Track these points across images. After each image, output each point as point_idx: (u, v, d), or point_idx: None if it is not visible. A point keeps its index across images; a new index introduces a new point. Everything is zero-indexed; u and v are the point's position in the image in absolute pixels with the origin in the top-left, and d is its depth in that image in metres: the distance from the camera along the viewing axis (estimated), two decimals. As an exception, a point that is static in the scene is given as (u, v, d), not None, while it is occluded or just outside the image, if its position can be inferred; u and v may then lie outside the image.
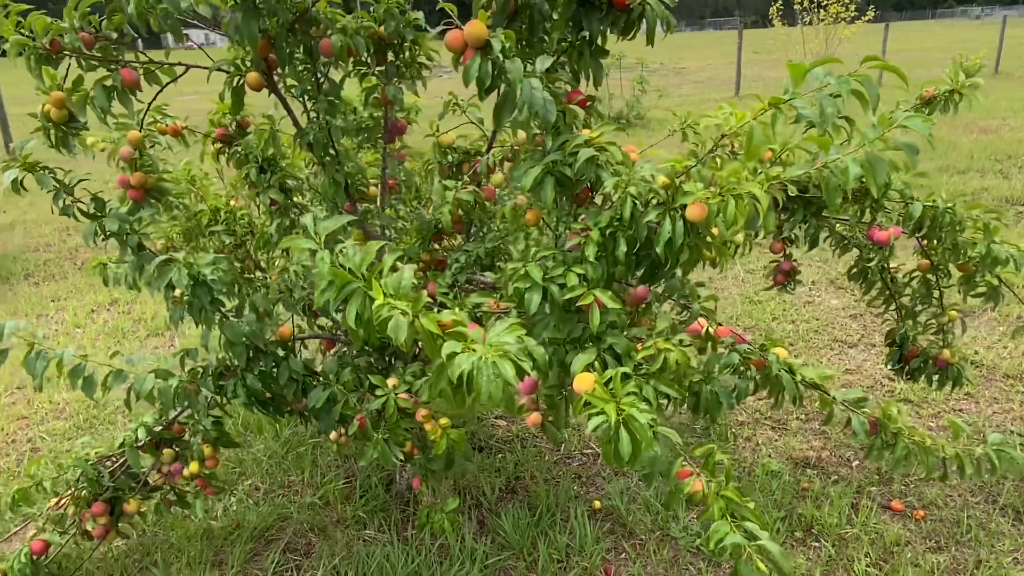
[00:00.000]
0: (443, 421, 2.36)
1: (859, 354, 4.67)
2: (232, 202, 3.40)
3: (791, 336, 4.89)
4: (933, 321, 3.20)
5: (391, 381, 2.41)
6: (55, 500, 2.61)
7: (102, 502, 2.61)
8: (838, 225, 2.94)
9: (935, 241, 2.87)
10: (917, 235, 2.77)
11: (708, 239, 1.75)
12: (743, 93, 17.13)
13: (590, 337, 1.75)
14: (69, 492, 2.60)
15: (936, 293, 3.12)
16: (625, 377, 1.64)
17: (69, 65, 2.20)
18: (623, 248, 1.72)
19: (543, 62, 1.74)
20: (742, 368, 2.18)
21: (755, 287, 5.72)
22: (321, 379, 2.52)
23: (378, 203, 2.71)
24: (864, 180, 1.50)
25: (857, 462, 3.53)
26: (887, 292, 3.32)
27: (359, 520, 3.04)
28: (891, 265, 3.17)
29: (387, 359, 2.90)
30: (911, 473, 3.39)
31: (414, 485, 2.58)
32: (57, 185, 2.23)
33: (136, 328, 5.38)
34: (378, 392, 2.37)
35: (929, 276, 3.12)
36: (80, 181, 2.29)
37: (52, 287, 6.30)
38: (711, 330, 2.29)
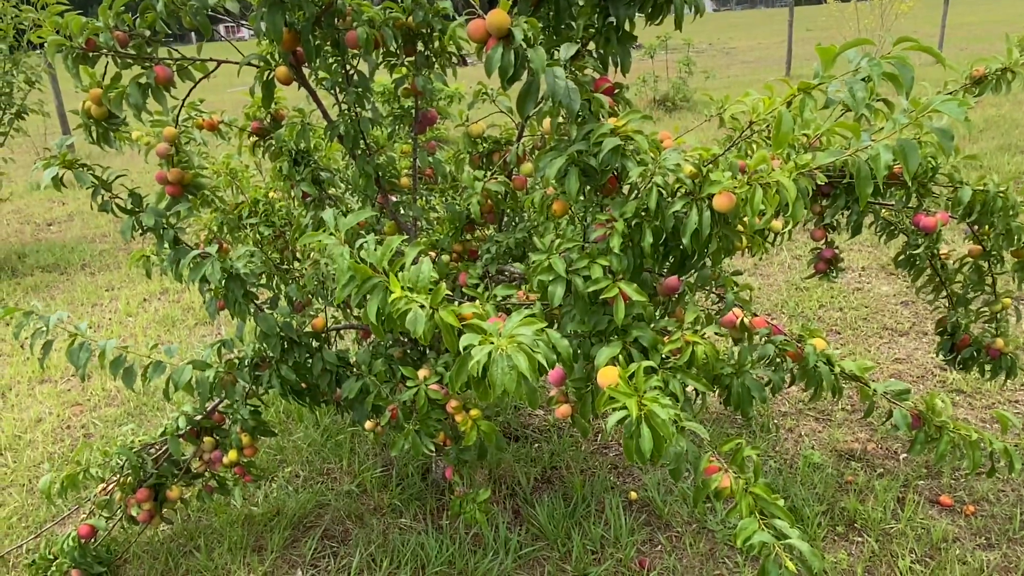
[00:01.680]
0: (473, 412, 2.36)
1: (909, 343, 4.52)
2: (271, 194, 3.45)
3: (838, 324, 4.76)
4: (986, 309, 3.07)
5: (422, 372, 2.42)
6: (102, 486, 2.70)
7: (146, 488, 2.69)
8: (883, 211, 2.84)
9: (987, 226, 2.76)
10: (967, 220, 2.66)
11: (740, 228, 1.70)
12: (794, 73, 16.69)
13: (615, 330, 1.73)
14: (115, 478, 2.69)
15: (988, 280, 2.99)
16: (650, 371, 1.62)
17: (107, 63, 2.25)
18: (649, 239, 1.69)
19: (568, 50, 1.70)
20: (778, 360, 2.12)
21: (801, 273, 5.58)
22: (355, 370, 2.54)
23: (410, 194, 2.71)
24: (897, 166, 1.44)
25: (904, 455, 3.42)
26: (937, 279, 3.20)
27: (395, 508, 3.08)
28: (941, 251, 3.05)
29: (421, 350, 2.91)
30: (960, 467, 3.27)
31: (447, 475, 2.59)
32: (95, 182, 2.28)
33: (185, 317, 5.51)
34: (409, 383, 2.38)
35: (981, 263, 2.99)
36: (118, 177, 2.34)
37: (107, 277, 6.50)
38: (746, 321, 2.23)
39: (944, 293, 3.22)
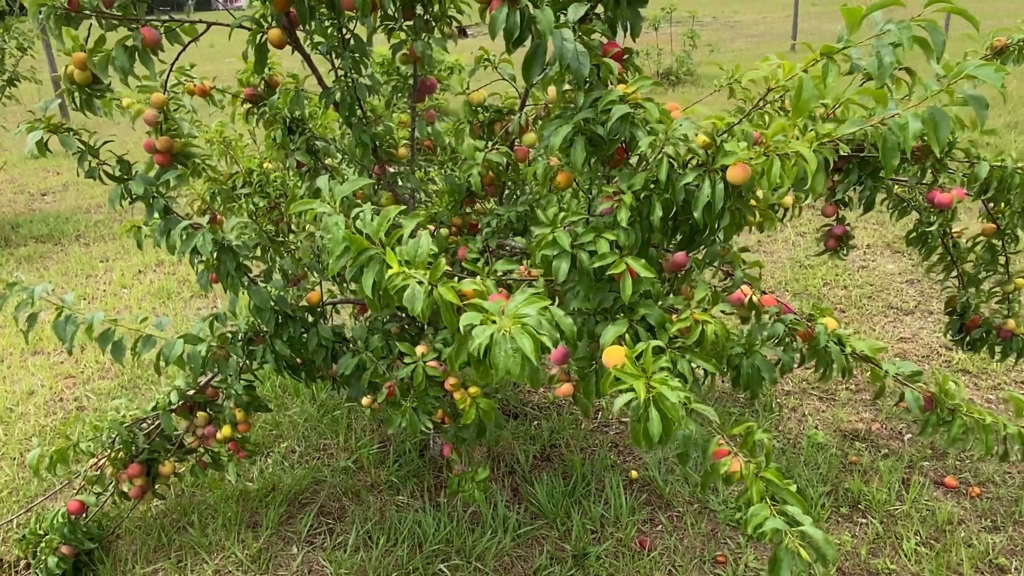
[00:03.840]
0: (472, 390, 2.30)
1: (915, 321, 4.46)
2: (266, 164, 3.36)
3: (843, 302, 4.70)
4: (998, 289, 3.01)
5: (420, 348, 2.35)
6: (92, 461, 2.64)
7: (138, 464, 2.63)
8: (896, 187, 2.76)
9: (1003, 204, 2.68)
10: (983, 197, 2.58)
11: (752, 202, 1.62)
12: (799, 48, 16.44)
13: (621, 307, 1.65)
14: (106, 453, 2.63)
15: (1002, 259, 2.92)
16: (657, 351, 1.55)
17: (91, 25, 2.15)
18: (658, 213, 1.61)
19: (576, 11, 1.61)
20: (787, 340, 2.05)
21: (806, 251, 5.50)
22: (351, 346, 2.48)
23: (408, 165, 2.63)
24: (925, 138, 1.35)
25: (909, 435, 3.37)
26: (948, 258, 3.14)
27: (392, 485, 3.03)
28: (953, 229, 2.97)
29: (419, 325, 2.84)
30: (967, 449, 3.23)
31: (444, 452, 2.53)
32: (82, 147, 2.19)
33: (181, 289, 5.44)
34: (407, 360, 2.31)
35: (995, 241, 2.92)
36: (105, 143, 2.25)
37: (101, 248, 6.41)
38: (755, 299, 2.16)
39: (955, 273, 3.15)
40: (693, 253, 1.84)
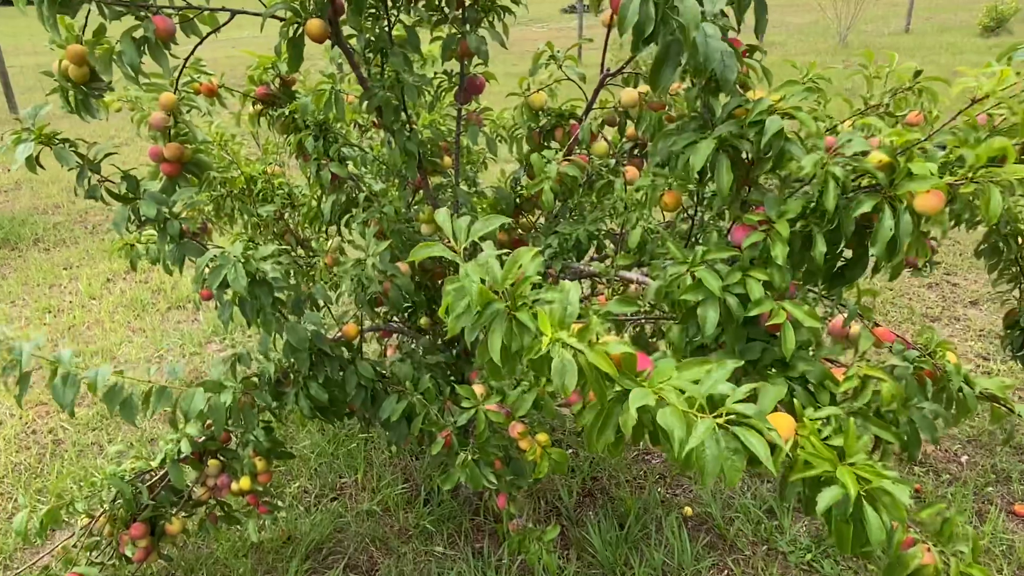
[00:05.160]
0: (541, 437, 2.00)
1: (943, 329, 4.29)
2: (268, 168, 3.00)
3: (867, 309, 4.50)
4: (1069, 304, 2.82)
5: (478, 389, 2.04)
6: (88, 521, 2.28)
7: (141, 523, 2.27)
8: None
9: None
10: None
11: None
12: (768, 40, 16.37)
13: (773, 362, 1.38)
14: (103, 512, 2.26)
15: (1081, 273, 2.72)
16: (829, 420, 1.27)
17: (89, 12, 1.78)
18: (821, 248, 1.33)
19: (716, 2, 1.32)
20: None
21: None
22: (394, 385, 2.16)
23: (452, 175, 2.30)
24: None
25: (967, 457, 3.18)
26: (1015, 269, 2.94)
27: (424, 531, 2.71)
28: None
29: (455, 353, 2.53)
30: (1031, 471, 3.04)
31: (499, 504, 2.23)
32: (80, 161, 1.83)
33: (156, 299, 5.01)
34: (464, 404, 2.01)
35: (1071, 253, 2.72)
36: (108, 155, 1.89)
37: (64, 253, 5.92)
38: (867, 332, 1.90)
39: (1022, 285, 2.96)
40: (834, 291, 1.56)
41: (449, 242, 1.18)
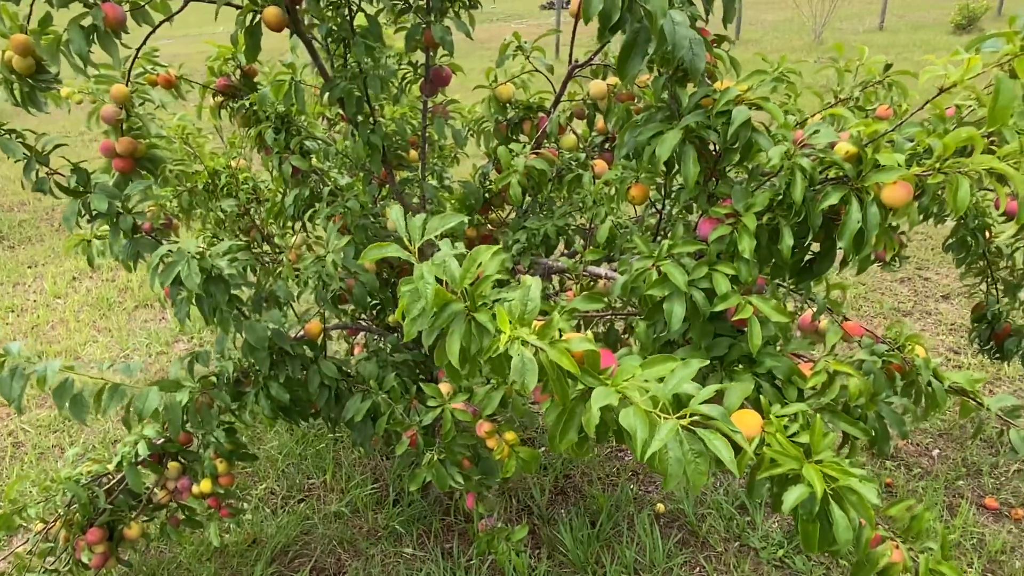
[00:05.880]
0: (509, 436, 1.96)
1: (915, 323, 4.31)
2: (233, 163, 2.92)
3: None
4: (1037, 297, 2.84)
5: (444, 388, 2.00)
6: (42, 526, 2.20)
7: (99, 528, 2.20)
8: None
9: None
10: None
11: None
12: (744, 37, 16.43)
13: (740, 358, 1.35)
14: (59, 517, 2.19)
15: (1048, 266, 2.74)
16: (796, 416, 1.24)
17: (34, 1, 1.71)
18: (788, 241, 1.30)
19: (682, -10, 1.28)
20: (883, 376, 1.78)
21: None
22: (358, 384, 2.10)
23: (419, 170, 2.26)
24: None
25: (937, 450, 3.19)
26: (981, 263, 2.96)
27: (393, 532, 2.66)
28: (988, 235, 2.80)
29: (424, 351, 2.48)
30: (999, 464, 3.06)
31: (468, 504, 2.19)
32: (28, 153, 1.75)
33: (122, 298, 4.91)
34: (430, 402, 1.96)
35: (1038, 247, 2.73)
36: (57, 147, 1.82)
37: (29, 251, 5.79)
38: (834, 327, 1.88)
39: (989, 279, 2.98)
40: (803, 283, 1.54)
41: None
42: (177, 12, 1.79)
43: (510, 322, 1.00)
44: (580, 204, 2.00)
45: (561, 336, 1.10)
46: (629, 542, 2.60)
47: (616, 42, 1.37)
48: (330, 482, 2.93)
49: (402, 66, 2.19)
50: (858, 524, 1.17)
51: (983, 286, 3.00)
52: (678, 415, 0.97)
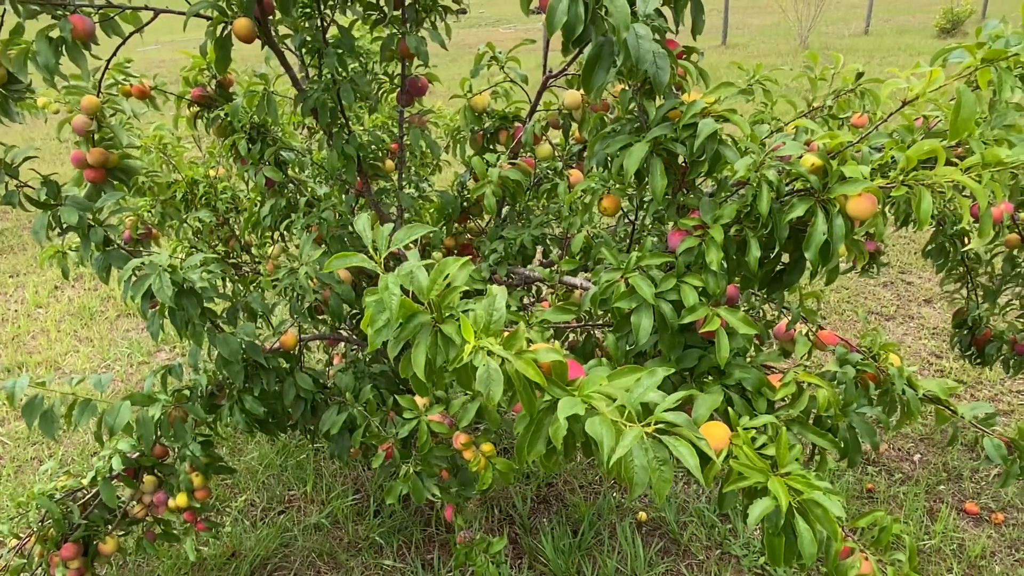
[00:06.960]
0: (485, 447, 1.95)
1: (897, 327, 4.33)
2: (212, 172, 2.91)
3: (823, 309, 4.53)
4: (1016, 302, 2.85)
5: (420, 400, 1.99)
6: (16, 542, 2.18)
7: (73, 543, 2.18)
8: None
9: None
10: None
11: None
12: (730, 42, 16.53)
13: (710, 369, 1.34)
14: (32, 533, 2.17)
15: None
16: (764, 428, 1.24)
17: (4, 11, 1.70)
18: (755, 253, 1.30)
19: (648, 2, 1.28)
20: (856, 385, 1.78)
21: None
22: (334, 395, 2.09)
23: (395, 179, 2.25)
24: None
25: (919, 455, 3.20)
26: (961, 269, 2.98)
27: (374, 544, 2.64)
28: (967, 241, 2.82)
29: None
30: (980, 470, 3.07)
31: (447, 516, 2.18)
32: (-6, 166, 1.74)
33: (105, 308, 4.87)
34: (406, 414, 1.95)
35: (1016, 253, 2.75)
36: (27, 159, 1.80)
37: (10, 260, 5.74)
38: (810, 335, 1.89)
39: (969, 285, 3.00)
40: (774, 293, 1.54)
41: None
42: (147, 24, 1.78)
43: (475, 332, 1.00)
44: (556, 214, 2.00)
45: (529, 346, 1.09)
46: (611, 551, 2.59)
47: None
48: (311, 493, 2.91)
49: (380, 76, 2.18)
50: (824, 537, 1.17)
51: (963, 291, 3.02)
52: (643, 423, 0.96)
